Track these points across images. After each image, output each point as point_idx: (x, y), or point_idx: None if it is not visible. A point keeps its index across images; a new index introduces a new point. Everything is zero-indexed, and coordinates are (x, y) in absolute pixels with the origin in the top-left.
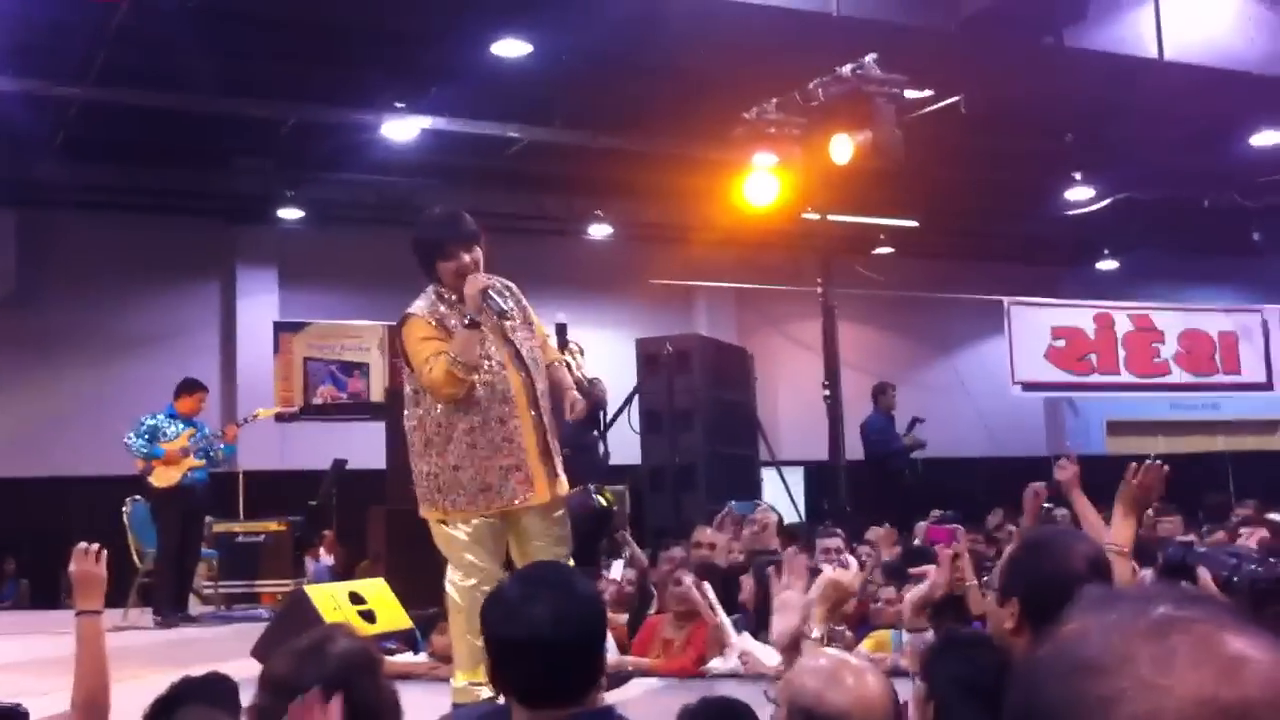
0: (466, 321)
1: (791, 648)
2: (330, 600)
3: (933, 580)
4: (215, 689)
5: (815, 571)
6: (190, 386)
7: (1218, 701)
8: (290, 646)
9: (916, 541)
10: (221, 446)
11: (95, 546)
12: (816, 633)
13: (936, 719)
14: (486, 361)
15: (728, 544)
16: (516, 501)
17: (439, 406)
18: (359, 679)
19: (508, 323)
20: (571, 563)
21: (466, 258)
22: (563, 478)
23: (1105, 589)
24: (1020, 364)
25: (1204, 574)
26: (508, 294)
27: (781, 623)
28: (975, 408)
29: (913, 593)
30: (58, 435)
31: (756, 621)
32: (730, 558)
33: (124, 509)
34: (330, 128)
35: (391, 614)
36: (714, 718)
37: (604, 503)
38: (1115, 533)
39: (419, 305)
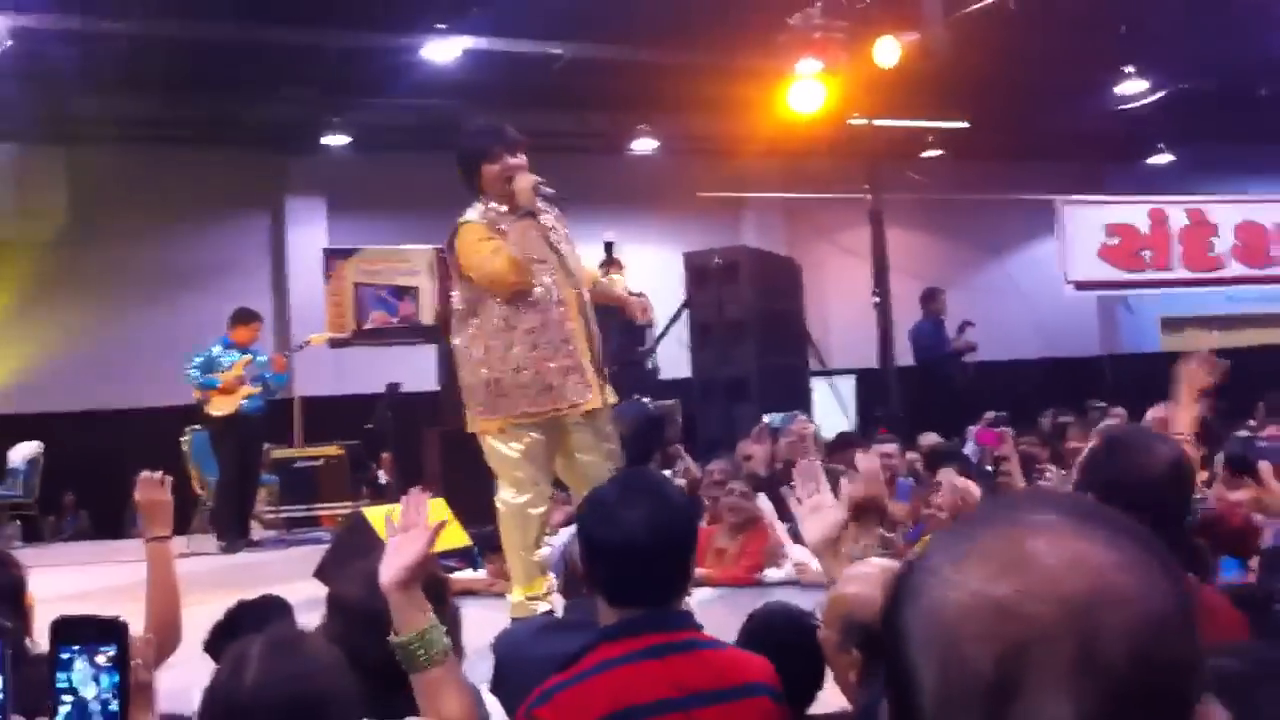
0: (521, 215)
1: (830, 553)
2: (388, 521)
3: (845, 491)
4: (270, 610)
5: (832, 475)
6: (244, 316)
7: (989, 595)
8: (358, 569)
9: (969, 445)
10: (273, 376)
11: (160, 474)
12: (856, 551)
13: None
14: (540, 265)
15: (767, 455)
16: (579, 401)
17: (499, 311)
18: (431, 600)
19: (552, 234)
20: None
21: (511, 160)
22: (610, 388)
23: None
24: (1073, 263)
25: (1264, 467)
26: (547, 210)
27: (815, 528)
28: (1027, 309)
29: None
30: (114, 369)
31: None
32: (773, 468)
33: (183, 439)
34: (372, 52)
35: (450, 532)
36: (779, 624)
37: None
38: (1177, 421)
39: (469, 213)
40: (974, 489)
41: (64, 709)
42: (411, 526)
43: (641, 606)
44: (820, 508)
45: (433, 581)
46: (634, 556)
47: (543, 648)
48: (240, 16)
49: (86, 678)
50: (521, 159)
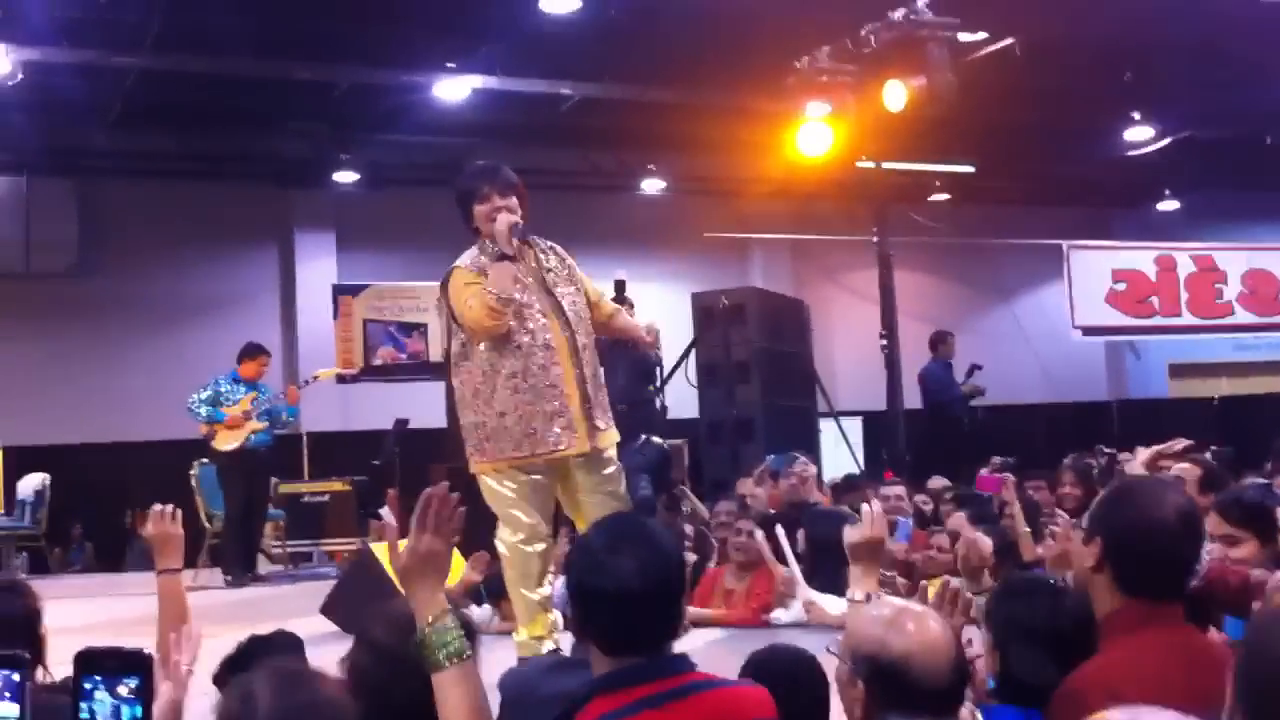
0: (497, 256)
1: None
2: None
3: (847, 536)
4: (282, 645)
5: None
6: (252, 351)
7: None
8: (385, 611)
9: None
10: (285, 409)
11: (171, 507)
12: (859, 595)
13: (1001, 667)
14: (528, 309)
15: (766, 497)
16: (561, 447)
17: (484, 355)
18: None
19: (549, 276)
20: None
21: (499, 200)
22: (610, 431)
23: None
24: (1080, 308)
25: None
26: (550, 252)
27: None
28: (1035, 354)
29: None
30: (121, 402)
31: (809, 576)
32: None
33: (192, 472)
34: (382, 89)
35: (455, 569)
36: (781, 667)
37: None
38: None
39: (462, 258)
40: (984, 541)
41: None
42: (429, 518)
43: (635, 654)
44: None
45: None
46: (626, 605)
47: (551, 686)
48: (251, 51)
49: (108, 709)
50: (510, 200)
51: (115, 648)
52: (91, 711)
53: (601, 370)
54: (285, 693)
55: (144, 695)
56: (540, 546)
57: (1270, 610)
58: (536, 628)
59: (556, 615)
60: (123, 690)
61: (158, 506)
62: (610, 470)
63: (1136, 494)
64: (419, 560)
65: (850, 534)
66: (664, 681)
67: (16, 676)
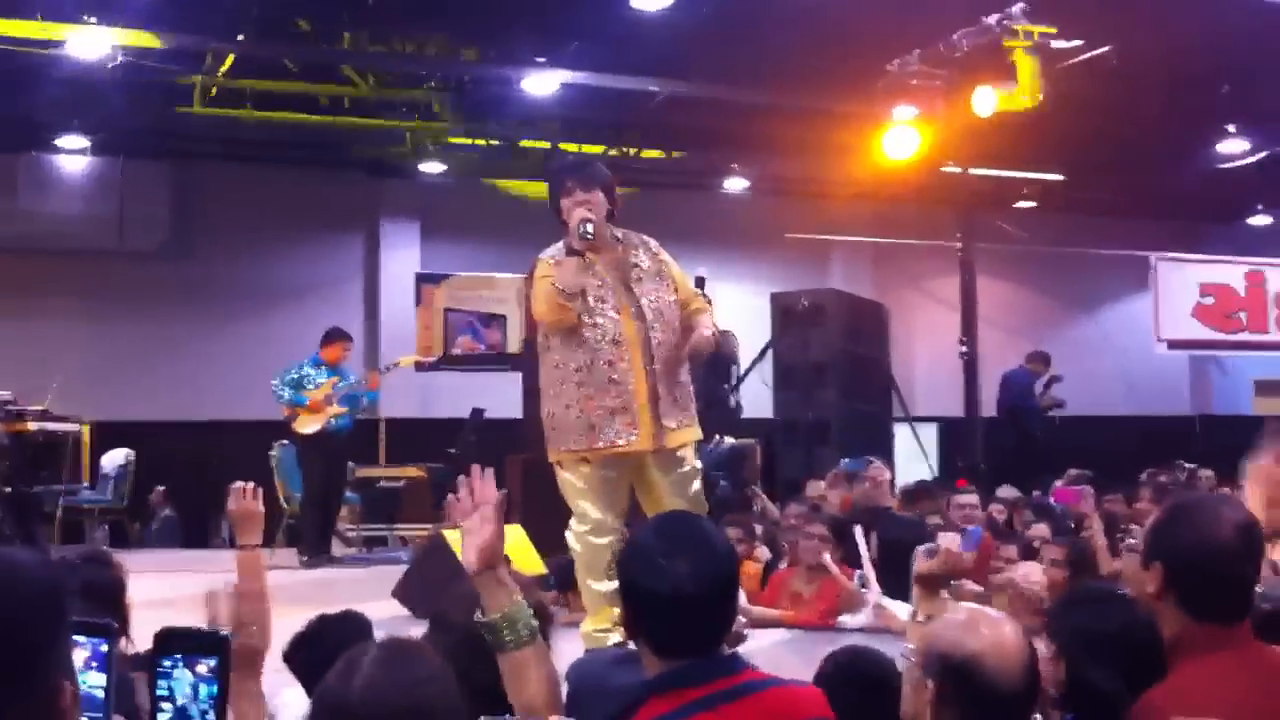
0: (569, 250)
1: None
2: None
3: (916, 567)
4: (351, 626)
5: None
6: (334, 335)
7: None
8: (463, 591)
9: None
10: (365, 393)
11: (251, 485)
12: (922, 617)
13: (1068, 677)
14: (601, 304)
15: (839, 500)
16: (620, 442)
17: (558, 347)
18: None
19: (633, 272)
20: None
21: (582, 194)
22: (684, 431)
23: None
24: (1166, 321)
25: None
26: (643, 248)
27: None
28: (1118, 365)
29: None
30: (207, 381)
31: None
32: (843, 514)
33: (272, 453)
34: (472, 82)
35: (527, 559)
36: (860, 672)
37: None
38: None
39: (547, 250)
40: (1035, 576)
41: (163, 715)
42: (480, 503)
43: (686, 657)
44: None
45: (536, 609)
46: (680, 607)
47: (618, 679)
48: (342, 40)
49: (187, 687)
50: (593, 195)
51: (194, 628)
52: (170, 689)
53: (686, 370)
54: (386, 669)
55: (221, 675)
56: (607, 539)
57: None
58: (602, 619)
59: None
60: (201, 669)
61: (238, 484)
62: (684, 470)
63: (1194, 515)
64: (481, 554)
65: (921, 564)
66: (716, 683)
67: (105, 646)
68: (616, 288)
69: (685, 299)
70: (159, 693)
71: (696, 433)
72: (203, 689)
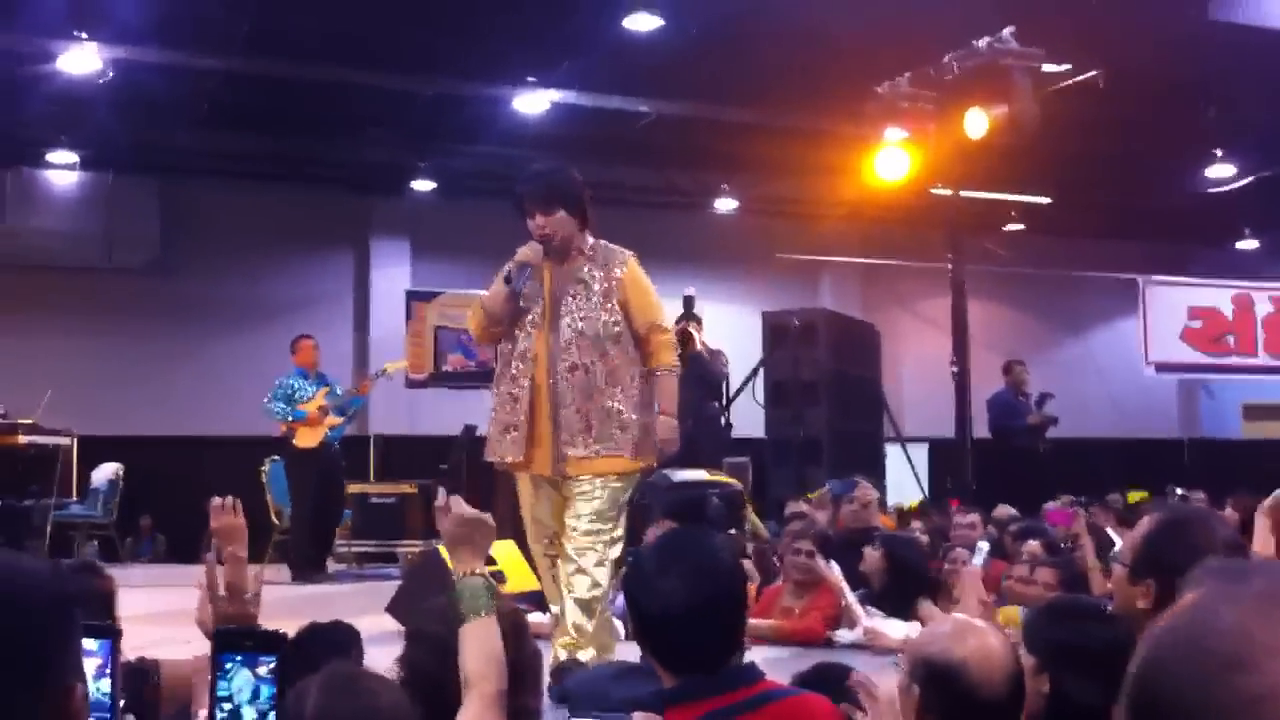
0: (503, 275)
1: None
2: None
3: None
4: (339, 636)
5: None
6: (297, 339)
7: None
8: (438, 605)
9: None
10: (354, 400)
11: (230, 498)
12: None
13: (1051, 690)
14: (524, 318)
15: (827, 521)
16: (508, 459)
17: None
18: (511, 640)
19: (570, 288)
20: (601, 549)
21: (541, 218)
22: (598, 461)
23: (1223, 562)
24: (1155, 344)
25: None
26: (601, 264)
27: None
28: (1106, 388)
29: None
30: (196, 397)
31: (880, 597)
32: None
33: (262, 469)
34: (463, 100)
35: (521, 575)
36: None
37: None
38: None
39: (522, 248)
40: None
41: (220, 715)
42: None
43: (694, 671)
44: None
45: (513, 623)
46: (674, 626)
47: (620, 693)
48: (337, 58)
49: (248, 687)
50: (550, 217)
51: (251, 628)
52: (230, 689)
53: (622, 396)
54: (334, 697)
55: (279, 677)
56: (538, 547)
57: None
58: (559, 634)
59: (617, 624)
60: (262, 670)
61: (216, 500)
62: (581, 505)
63: (1187, 531)
64: (462, 525)
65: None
66: (732, 694)
67: (109, 649)
68: (546, 303)
69: (641, 330)
70: (219, 694)
71: (620, 464)
72: (263, 690)
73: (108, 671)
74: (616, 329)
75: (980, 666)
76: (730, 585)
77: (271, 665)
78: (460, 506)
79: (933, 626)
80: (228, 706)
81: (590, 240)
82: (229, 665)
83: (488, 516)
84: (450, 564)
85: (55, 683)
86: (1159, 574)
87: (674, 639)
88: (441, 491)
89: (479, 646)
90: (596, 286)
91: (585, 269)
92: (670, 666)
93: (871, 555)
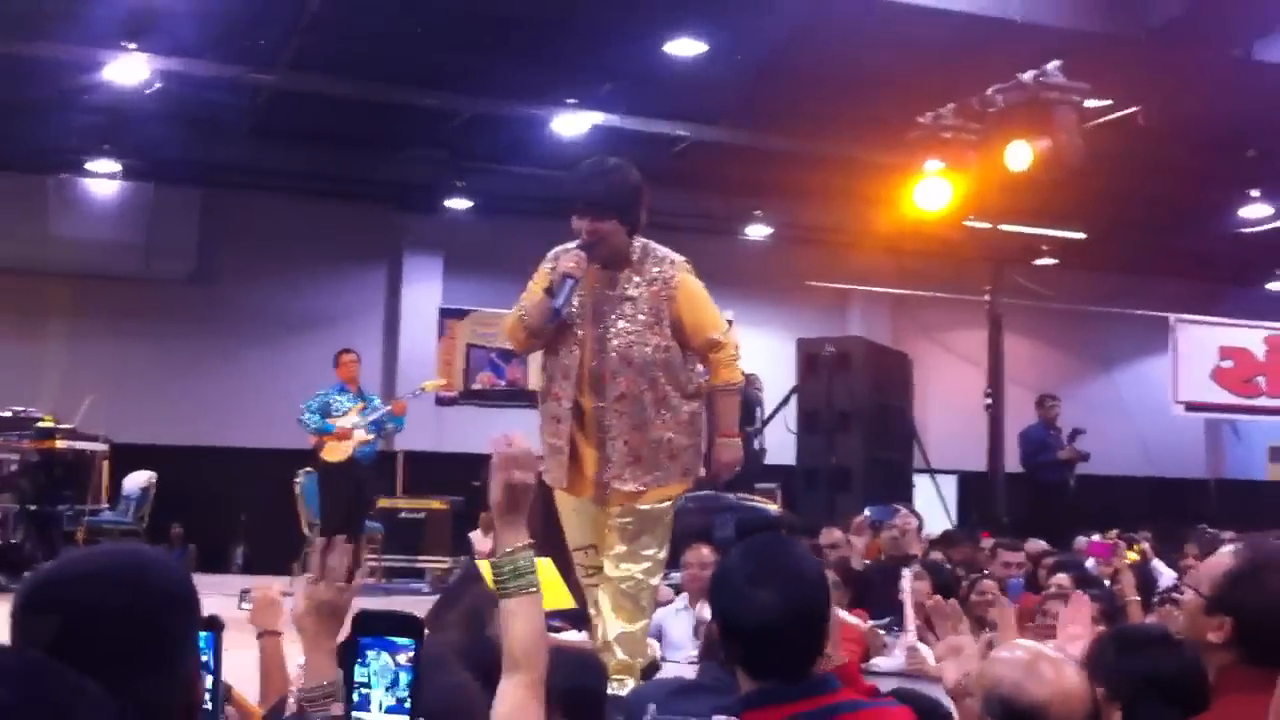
0: (546, 287)
1: (964, 697)
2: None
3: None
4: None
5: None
6: (339, 354)
7: None
8: (456, 612)
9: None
10: (391, 419)
11: (274, 583)
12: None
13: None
14: (567, 333)
15: (864, 547)
16: (553, 485)
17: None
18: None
19: (617, 303)
20: (643, 577)
21: (590, 223)
22: (649, 493)
23: None
24: (1184, 383)
25: None
26: (647, 275)
27: (952, 671)
28: (1133, 426)
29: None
30: (229, 408)
31: (927, 624)
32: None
33: (297, 480)
34: (503, 121)
35: (556, 593)
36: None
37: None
38: None
39: (560, 247)
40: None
41: (357, 699)
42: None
43: (778, 678)
44: (959, 650)
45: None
46: (768, 636)
47: (677, 709)
48: (380, 77)
49: (388, 673)
50: (601, 225)
51: (392, 611)
52: (367, 675)
53: (674, 421)
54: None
55: (417, 663)
56: (579, 569)
57: None
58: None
59: (654, 646)
60: (402, 659)
61: (255, 592)
62: (625, 535)
63: (1266, 573)
64: (507, 495)
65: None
66: (809, 701)
67: (212, 642)
68: (587, 316)
69: (699, 347)
70: (357, 679)
71: (668, 491)
72: (402, 677)
73: (210, 666)
74: (666, 353)
75: (1063, 708)
76: (819, 594)
77: (411, 653)
78: (520, 466)
79: (1003, 654)
80: (365, 691)
81: (638, 245)
82: (369, 652)
83: (531, 482)
84: (499, 540)
85: (185, 668)
86: (1238, 612)
87: (767, 649)
88: (501, 438)
89: (524, 623)
90: (645, 305)
91: (633, 282)
92: (756, 673)
93: (919, 585)
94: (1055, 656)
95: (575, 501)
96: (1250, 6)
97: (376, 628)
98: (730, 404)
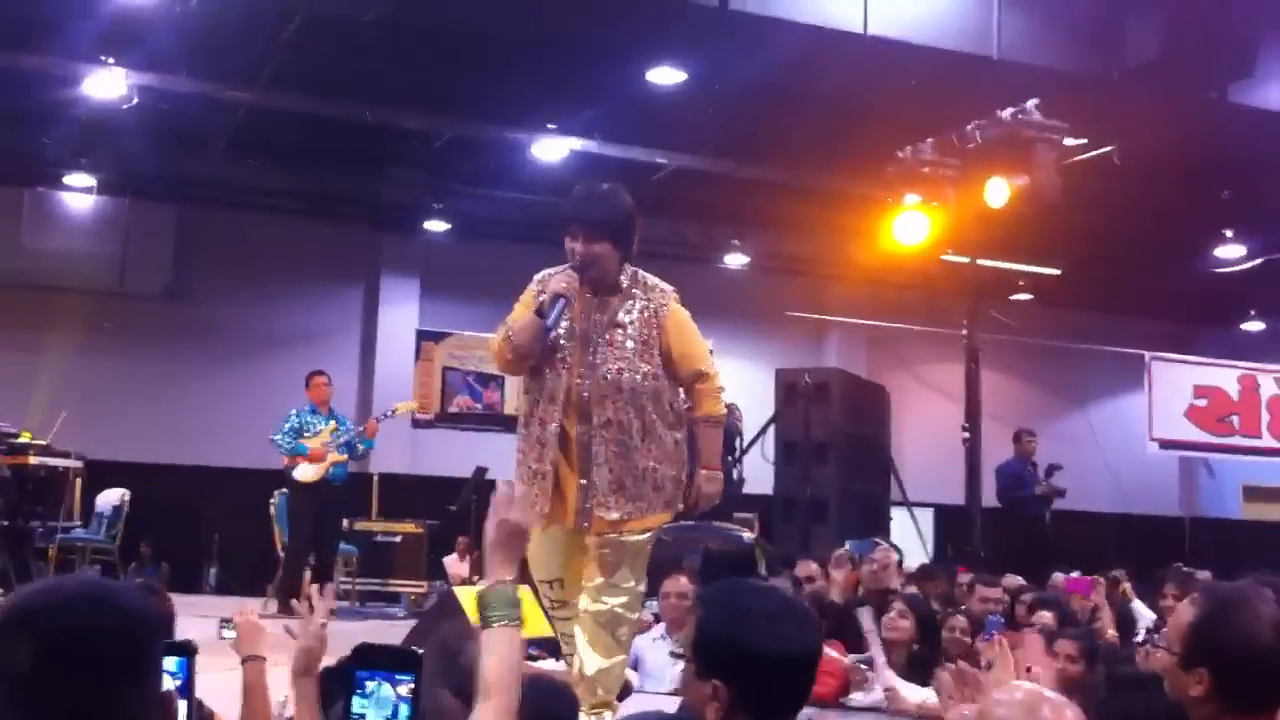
0: (535, 308)
1: None
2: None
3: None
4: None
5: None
6: (310, 375)
7: None
8: (434, 638)
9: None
10: (363, 441)
11: (252, 605)
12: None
13: None
14: (556, 355)
15: (843, 581)
16: (537, 509)
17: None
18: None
19: (607, 329)
20: (622, 611)
21: (583, 246)
22: (632, 522)
23: None
24: (1159, 421)
25: None
26: (640, 302)
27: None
28: (1107, 463)
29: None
30: (203, 425)
31: (909, 662)
32: (845, 595)
33: (271, 501)
34: (482, 144)
35: (534, 620)
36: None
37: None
38: None
39: (547, 270)
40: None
41: None
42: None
43: (778, 715)
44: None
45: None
46: (781, 670)
47: None
48: (359, 97)
49: (389, 704)
50: (580, 244)
51: (390, 645)
52: (365, 706)
53: (659, 452)
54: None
55: (416, 697)
56: (547, 603)
57: None
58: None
59: (632, 676)
60: (403, 690)
61: (238, 618)
62: (604, 566)
63: (1234, 616)
64: (502, 533)
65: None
66: None
67: (183, 665)
68: (577, 340)
69: (685, 378)
70: (354, 711)
71: (650, 521)
72: (402, 709)
73: (185, 690)
74: (655, 381)
75: None
76: (819, 634)
77: (411, 686)
78: (518, 509)
79: (1002, 696)
80: None
81: (628, 272)
82: (369, 683)
83: (526, 526)
84: (487, 573)
85: (157, 689)
86: (1212, 661)
87: (775, 683)
88: (504, 483)
89: (502, 655)
90: (635, 332)
91: (624, 308)
92: (756, 710)
93: (902, 623)
94: (1055, 699)
95: (544, 534)
96: (1225, 49)
97: (374, 661)
98: (713, 437)
